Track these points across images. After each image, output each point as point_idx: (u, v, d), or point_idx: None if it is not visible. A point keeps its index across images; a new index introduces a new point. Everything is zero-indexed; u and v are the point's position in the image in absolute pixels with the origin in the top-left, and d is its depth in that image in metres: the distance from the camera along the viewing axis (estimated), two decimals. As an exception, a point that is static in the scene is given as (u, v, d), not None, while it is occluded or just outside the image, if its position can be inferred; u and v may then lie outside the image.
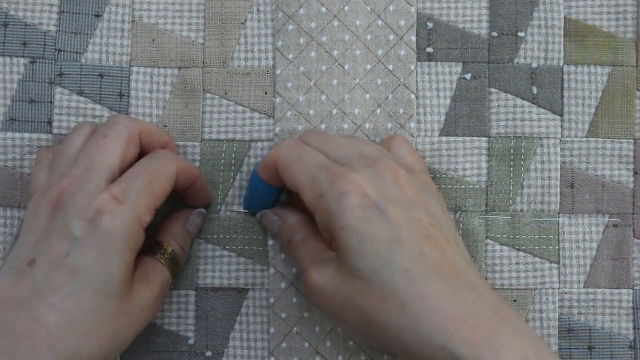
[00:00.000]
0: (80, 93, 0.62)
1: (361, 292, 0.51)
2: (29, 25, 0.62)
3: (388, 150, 0.58)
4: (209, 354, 0.61)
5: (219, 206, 0.61)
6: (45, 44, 0.62)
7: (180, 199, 0.61)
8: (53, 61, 0.62)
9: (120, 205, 0.51)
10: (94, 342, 0.51)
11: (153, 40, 0.62)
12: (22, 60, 0.62)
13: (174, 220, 0.60)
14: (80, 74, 0.62)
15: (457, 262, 0.53)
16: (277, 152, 0.56)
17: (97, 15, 0.62)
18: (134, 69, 0.62)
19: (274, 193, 0.59)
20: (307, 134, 0.58)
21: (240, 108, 0.62)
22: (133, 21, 0.62)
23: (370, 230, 0.51)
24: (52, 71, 0.62)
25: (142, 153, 0.57)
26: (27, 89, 0.62)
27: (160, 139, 0.58)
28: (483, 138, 0.63)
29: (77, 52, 0.62)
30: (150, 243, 0.57)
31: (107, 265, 0.51)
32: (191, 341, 0.61)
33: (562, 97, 0.63)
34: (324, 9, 0.62)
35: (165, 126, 0.62)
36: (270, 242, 0.62)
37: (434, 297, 0.50)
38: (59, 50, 0.62)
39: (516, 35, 0.63)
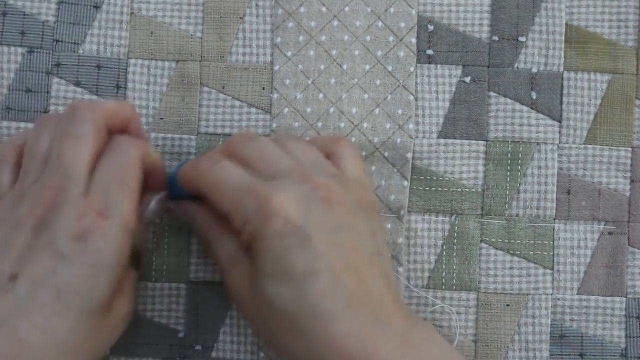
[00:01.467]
0: (77, 84, 0.62)
1: (271, 315, 0.51)
2: (28, 14, 0.62)
3: (330, 154, 0.57)
4: (198, 347, 0.61)
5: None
6: (43, 34, 0.62)
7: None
8: (51, 51, 0.62)
9: (107, 220, 0.50)
10: (77, 359, 0.50)
11: (151, 32, 0.62)
12: (19, 49, 0.62)
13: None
14: (78, 65, 0.62)
15: (372, 289, 0.52)
16: (199, 177, 0.54)
17: (96, 7, 0.62)
18: (132, 61, 0.62)
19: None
20: (237, 143, 0.56)
21: (237, 103, 0.62)
22: (132, 13, 0.62)
23: (288, 261, 0.50)
24: (49, 61, 0.62)
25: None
26: (24, 79, 0.62)
27: (123, 114, 0.55)
28: (481, 142, 0.63)
29: (75, 43, 0.62)
30: None
31: (95, 283, 0.51)
32: (181, 334, 0.61)
33: (561, 103, 0.63)
34: (324, 9, 0.62)
35: (161, 119, 0.61)
36: None
37: (341, 334, 0.50)
38: (57, 41, 0.62)
39: (517, 40, 0.63)
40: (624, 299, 0.62)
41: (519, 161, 0.62)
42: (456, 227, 0.62)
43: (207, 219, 0.56)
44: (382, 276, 0.53)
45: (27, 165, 0.53)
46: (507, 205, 0.62)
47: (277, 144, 0.56)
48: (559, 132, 0.63)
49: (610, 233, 0.63)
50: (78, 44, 0.62)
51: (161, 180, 0.57)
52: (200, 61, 0.62)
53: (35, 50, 0.62)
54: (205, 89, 0.62)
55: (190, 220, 0.58)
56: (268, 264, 0.50)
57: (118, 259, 0.51)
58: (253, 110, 0.62)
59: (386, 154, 0.62)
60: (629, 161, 0.63)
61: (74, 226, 0.49)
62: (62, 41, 0.62)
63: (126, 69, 0.62)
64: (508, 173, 0.62)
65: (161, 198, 0.57)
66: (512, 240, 0.62)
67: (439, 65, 0.63)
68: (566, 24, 0.63)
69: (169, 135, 0.61)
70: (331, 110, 0.62)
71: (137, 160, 0.53)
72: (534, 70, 0.63)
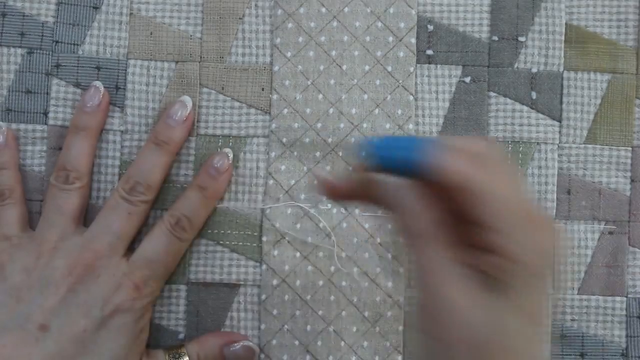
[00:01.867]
0: (77, 85, 0.62)
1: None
2: (27, 15, 0.62)
3: None
4: None
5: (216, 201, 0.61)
6: (42, 35, 0.62)
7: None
8: (50, 52, 0.62)
9: (140, 293, 0.55)
10: None
11: (151, 33, 0.62)
12: (19, 50, 0.62)
13: (209, 339, 0.59)
14: (78, 66, 0.62)
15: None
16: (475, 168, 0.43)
17: (96, 7, 0.62)
18: (131, 61, 0.62)
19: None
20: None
21: (237, 104, 0.62)
22: (131, 14, 0.62)
23: (542, 307, 0.44)
24: (49, 62, 0.62)
25: None
26: (23, 80, 0.62)
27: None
28: None
29: (74, 44, 0.62)
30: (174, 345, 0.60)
31: (118, 344, 0.54)
32: (181, 336, 0.61)
33: (561, 103, 0.63)
34: (324, 10, 0.62)
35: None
36: (264, 238, 0.62)
37: None
38: (57, 42, 0.62)
39: (517, 40, 0.63)
40: (625, 298, 0.63)
41: (520, 161, 0.63)
42: None
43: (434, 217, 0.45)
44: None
45: (50, 216, 0.57)
46: None
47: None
48: (559, 132, 0.63)
49: (610, 233, 0.63)
50: (78, 45, 0.62)
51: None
52: (199, 62, 0.62)
53: (35, 51, 0.62)
54: (205, 89, 0.62)
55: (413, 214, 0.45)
56: (532, 305, 0.43)
57: (140, 326, 0.56)
58: (252, 111, 0.62)
59: None
60: (629, 161, 0.63)
61: (112, 294, 0.54)
62: (61, 42, 0.62)
63: (125, 70, 0.62)
64: None
65: (249, 346, 0.60)
66: None
67: (438, 66, 0.63)
68: (566, 23, 0.63)
69: None
70: (331, 110, 0.62)
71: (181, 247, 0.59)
72: (534, 70, 0.63)
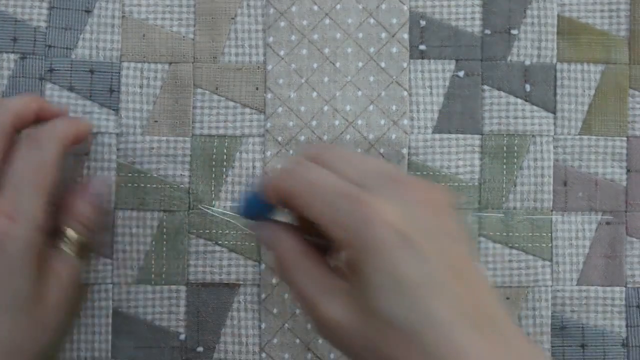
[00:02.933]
0: (71, 89, 0.62)
1: (386, 338, 0.46)
2: (19, 21, 0.62)
3: None
4: (200, 349, 0.62)
5: (213, 202, 0.61)
6: (35, 40, 0.62)
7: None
8: (43, 57, 0.62)
9: (15, 222, 0.51)
10: (15, 355, 0.52)
11: (143, 35, 0.62)
12: (12, 56, 0.62)
13: (72, 199, 0.58)
14: (71, 70, 0.62)
15: (485, 299, 0.47)
16: (284, 181, 0.50)
17: (88, 11, 0.62)
18: (124, 64, 0.62)
19: (272, 208, 0.53)
20: (319, 151, 0.52)
21: (231, 104, 0.62)
22: (123, 17, 0.62)
23: (402, 272, 0.45)
24: (42, 67, 0.62)
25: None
26: (17, 85, 0.62)
27: (32, 110, 0.56)
28: (476, 135, 0.63)
29: (67, 48, 0.62)
30: (50, 232, 0.56)
31: (13, 284, 0.52)
32: (182, 337, 0.61)
33: (555, 94, 0.63)
34: (315, 7, 0.62)
35: (155, 121, 0.62)
36: None
37: (466, 348, 0.45)
38: (49, 46, 0.62)
39: (509, 33, 0.63)
40: (624, 288, 0.63)
41: (515, 154, 0.63)
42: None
43: (294, 246, 0.51)
44: (488, 285, 0.50)
45: None
46: (504, 199, 0.63)
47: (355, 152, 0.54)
48: (554, 123, 0.63)
49: (608, 223, 0.63)
50: (71, 49, 0.62)
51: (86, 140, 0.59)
52: (193, 62, 0.63)
53: (28, 56, 0.62)
54: (199, 90, 0.62)
55: (271, 247, 0.53)
56: (381, 277, 0.45)
57: (30, 256, 0.52)
58: (247, 110, 0.62)
59: (382, 151, 0.62)
60: (624, 151, 0.63)
61: None
62: (54, 46, 0.62)
63: (119, 73, 0.62)
64: (504, 166, 0.63)
65: (105, 181, 0.60)
66: (511, 233, 0.62)
67: (432, 61, 0.63)
68: (558, 15, 0.64)
69: (164, 138, 0.61)
70: (325, 108, 0.62)
71: (51, 155, 0.54)
72: (527, 62, 0.63)
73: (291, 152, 0.62)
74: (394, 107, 0.62)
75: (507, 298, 0.62)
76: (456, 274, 0.46)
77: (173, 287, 0.61)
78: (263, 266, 0.61)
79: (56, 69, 0.62)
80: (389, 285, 0.45)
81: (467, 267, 0.47)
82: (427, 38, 0.63)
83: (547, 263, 0.62)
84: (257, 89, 0.62)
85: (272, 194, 0.51)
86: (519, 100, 0.63)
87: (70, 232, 0.56)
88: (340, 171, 0.49)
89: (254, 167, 0.63)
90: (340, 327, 0.47)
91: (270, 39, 0.63)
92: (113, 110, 0.62)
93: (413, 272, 0.45)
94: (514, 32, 0.63)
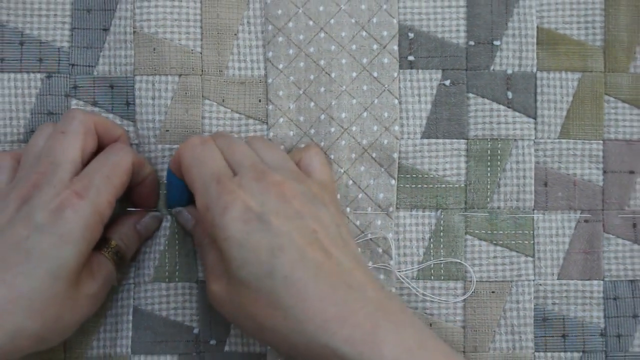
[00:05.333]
0: (95, 104, 0.63)
1: (249, 299, 0.52)
2: (44, 42, 0.63)
3: (300, 159, 0.60)
4: (213, 342, 0.63)
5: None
6: (59, 59, 0.63)
7: (129, 197, 0.62)
8: (68, 75, 0.63)
9: (82, 200, 0.54)
10: (38, 321, 0.52)
11: (154, 49, 0.63)
12: (38, 75, 0.63)
13: (124, 220, 0.61)
14: (94, 86, 0.63)
15: (342, 262, 0.53)
16: (182, 150, 0.57)
17: (105, 29, 0.64)
18: (137, 77, 0.63)
19: (186, 188, 0.59)
20: (216, 135, 0.59)
21: (236, 115, 0.64)
22: (135, 32, 0.63)
23: (251, 241, 0.52)
24: (67, 84, 0.63)
25: (99, 145, 0.59)
26: (45, 103, 0.63)
27: (114, 131, 0.60)
28: (462, 140, 0.64)
29: (89, 66, 0.64)
30: (99, 239, 0.58)
31: (62, 251, 0.53)
32: (196, 330, 0.62)
33: (536, 101, 0.64)
34: (311, 22, 0.63)
35: (167, 130, 0.63)
36: None
37: (314, 300, 0.51)
38: (73, 65, 0.63)
39: (492, 44, 0.64)
40: (602, 282, 0.64)
41: (498, 157, 0.64)
42: (442, 221, 0.64)
43: (198, 229, 0.60)
44: (351, 256, 0.55)
45: (23, 163, 0.58)
46: (488, 199, 0.64)
47: (248, 143, 0.59)
48: (535, 128, 0.64)
49: (586, 221, 0.64)
50: (92, 66, 0.63)
51: (152, 195, 0.63)
52: (201, 75, 0.63)
53: (53, 75, 0.63)
54: (207, 102, 0.63)
55: (187, 226, 0.61)
56: (233, 249, 0.52)
57: (86, 235, 0.54)
58: (251, 121, 0.64)
59: (374, 155, 0.63)
60: (601, 153, 0.64)
61: (51, 201, 0.53)
62: (77, 65, 0.63)
63: (133, 86, 0.63)
64: (488, 168, 0.64)
65: (156, 215, 0.62)
66: (495, 231, 0.64)
67: (420, 70, 0.64)
68: (537, 27, 0.64)
69: (175, 146, 0.62)
70: (322, 117, 0.63)
71: (126, 163, 0.57)
72: (509, 71, 0.64)
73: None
74: (385, 114, 0.64)
75: (493, 292, 0.63)
76: (307, 242, 0.53)
77: (186, 284, 0.62)
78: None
79: (80, 85, 0.63)
80: (238, 255, 0.52)
81: (320, 237, 0.53)
82: (416, 49, 0.64)
83: (530, 259, 0.64)
84: (259, 101, 0.64)
85: (175, 166, 0.59)
86: (502, 107, 0.64)
87: (113, 243, 0.59)
88: (226, 155, 0.57)
89: (257, 174, 0.64)
90: (219, 297, 0.55)
91: (270, 54, 0.64)
92: (131, 122, 0.63)
93: (263, 241, 0.52)
94: (497, 43, 0.64)
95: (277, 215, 0.53)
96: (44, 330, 0.53)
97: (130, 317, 0.63)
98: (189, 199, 0.61)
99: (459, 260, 0.64)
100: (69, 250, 0.54)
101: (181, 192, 0.60)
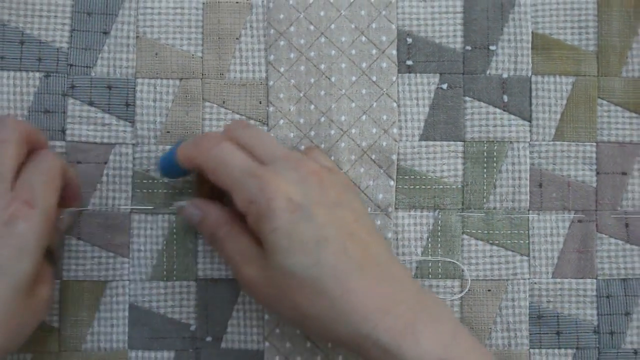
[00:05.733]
0: (91, 104, 0.63)
1: (293, 287, 0.53)
2: (44, 42, 0.64)
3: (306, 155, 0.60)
4: (209, 339, 0.63)
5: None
6: (58, 60, 0.64)
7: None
8: (65, 75, 0.64)
9: (32, 209, 0.54)
10: (2, 333, 0.53)
11: (156, 54, 0.64)
12: (37, 74, 0.63)
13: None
14: (91, 86, 0.64)
15: (380, 255, 0.55)
16: (201, 155, 0.57)
17: (105, 33, 0.64)
18: (139, 80, 0.64)
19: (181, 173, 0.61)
20: (234, 128, 0.59)
21: (237, 116, 0.64)
22: (137, 37, 0.64)
23: (298, 232, 0.53)
24: (64, 84, 0.64)
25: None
26: (42, 101, 0.63)
27: (40, 139, 0.59)
28: (459, 142, 0.65)
29: (87, 67, 0.64)
30: None
31: (20, 263, 0.54)
32: (193, 328, 0.63)
33: (531, 104, 0.65)
34: (312, 27, 0.64)
35: (168, 132, 0.63)
36: None
37: (359, 291, 0.52)
38: (71, 65, 0.64)
39: (488, 48, 0.65)
40: (595, 280, 0.64)
41: (494, 159, 0.65)
42: (440, 221, 0.64)
43: (219, 217, 0.58)
44: (385, 248, 0.56)
45: None
46: (485, 200, 0.64)
47: (268, 135, 0.60)
48: (530, 131, 0.65)
49: (579, 221, 0.65)
50: (90, 67, 0.64)
51: (75, 194, 0.62)
52: (201, 78, 0.64)
53: (52, 74, 0.64)
54: (207, 104, 0.64)
55: (200, 218, 0.59)
56: (281, 239, 0.53)
57: (40, 243, 0.55)
58: (252, 122, 0.64)
59: (373, 157, 0.64)
60: (594, 155, 0.65)
61: (2, 214, 0.53)
62: (75, 65, 0.64)
63: (134, 88, 0.64)
64: (485, 170, 0.65)
65: (73, 212, 0.62)
66: (491, 231, 0.64)
67: (418, 74, 0.65)
68: (532, 32, 0.65)
69: None
70: (322, 119, 0.64)
71: (58, 167, 0.58)
72: (505, 75, 0.65)
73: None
74: (384, 117, 0.64)
75: (489, 290, 0.64)
76: (348, 233, 0.54)
77: (184, 282, 0.63)
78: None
79: (77, 85, 0.64)
80: (286, 245, 0.53)
81: (358, 228, 0.55)
82: (414, 54, 0.65)
83: (525, 258, 0.64)
84: (260, 102, 0.64)
85: (186, 163, 0.58)
86: (498, 110, 0.65)
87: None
88: (251, 148, 0.57)
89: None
90: (256, 283, 0.55)
91: (271, 57, 0.64)
92: (129, 122, 0.64)
93: (309, 232, 0.53)
94: (493, 47, 0.65)
95: (319, 205, 0.54)
96: (7, 342, 0.54)
97: (126, 314, 0.64)
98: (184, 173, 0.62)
99: (452, 260, 0.65)
100: (27, 261, 0.54)
101: (182, 172, 0.61)
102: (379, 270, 0.54)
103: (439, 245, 0.65)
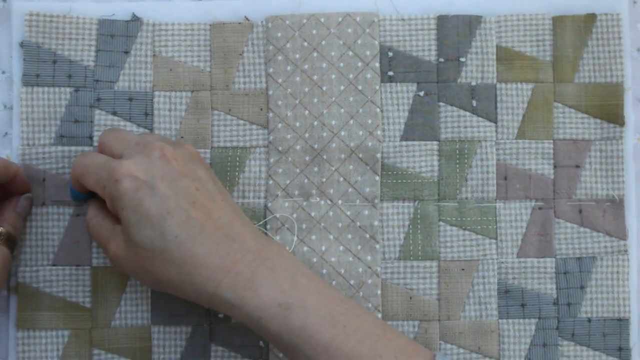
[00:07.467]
0: (115, 114, 0.67)
1: (145, 258, 0.56)
2: (73, 61, 0.67)
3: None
4: (221, 316, 0.66)
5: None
6: (86, 76, 0.67)
7: (5, 191, 0.65)
8: (92, 89, 0.67)
9: None
10: None
11: (170, 69, 0.67)
12: (68, 89, 0.67)
13: (6, 206, 0.65)
14: (114, 99, 0.67)
15: (221, 218, 0.57)
16: (72, 169, 0.60)
17: (126, 52, 0.67)
18: (156, 92, 0.67)
19: (86, 196, 0.64)
20: (103, 134, 0.62)
21: (241, 122, 0.67)
22: (154, 55, 0.67)
23: (144, 207, 0.55)
24: (91, 97, 0.67)
25: None
26: (72, 112, 0.67)
27: None
28: (435, 142, 0.68)
29: (111, 82, 0.67)
30: None
31: None
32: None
33: (496, 108, 0.68)
34: (306, 44, 0.67)
35: (182, 137, 0.67)
36: (268, 226, 0.66)
37: (201, 255, 0.54)
38: (97, 81, 0.67)
39: (459, 60, 0.68)
40: (554, 259, 0.68)
41: (466, 155, 0.68)
42: (419, 210, 0.68)
43: (91, 211, 0.62)
44: (230, 209, 0.58)
45: None
46: (458, 191, 0.68)
47: (132, 133, 0.63)
48: (496, 131, 0.68)
49: (540, 208, 0.68)
50: (113, 82, 0.67)
51: (23, 184, 0.66)
52: (210, 90, 0.67)
53: (80, 89, 0.67)
54: (216, 112, 0.67)
55: (86, 220, 0.63)
56: (130, 216, 0.55)
57: None
58: (254, 127, 0.67)
59: (360, 156, 0.67)
60: (551, 151, 0.68)
61: None
62: (101, 81, 0.67)
63: (152, 100, 0.67)
64: (457, 165, 0.68)
65: (29, 196, 0.66)
66: (464, 218, 0.67)
67: (398, 84, 0.68)
68: (496, 45, 0.68)
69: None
70: (315, 123, 0.67)
71: None
72: (473, 83, 0.68)
73: (290, 158, 0.67)
74: (369, 121, 0.67)
75: (462, 269, 0.67)
76: (190, 202, 0.56)
77: None
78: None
79: (102, 98, 0.67)
80: (135, 221, 0.56)
81: (201, 195, 0.57)
82: (394, 66, 0.68)
83: (493, 241, 0.67)
84: (261, 109, 0.67)
85: (73, 182, 0.61)
86: (468, 113, 0.68)
87: (3, 230, 0.63)
88: (109, 148, 0.60)
89: (260, 171, 0.67)
90: (119, 257, 0.58)
91: (271, 70, 0.67)
92: (148, 129, 0.67)
93: (153, 206, 0.55)
94: (462, 59, 0.68)
95: (163, 179, 0.56)
96: None
97: (149, 294, 0.67)
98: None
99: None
100: None
101: (82, 197, 0.65)
102: (220, 234, 0.56)
103: (419, 231, 0.68)
